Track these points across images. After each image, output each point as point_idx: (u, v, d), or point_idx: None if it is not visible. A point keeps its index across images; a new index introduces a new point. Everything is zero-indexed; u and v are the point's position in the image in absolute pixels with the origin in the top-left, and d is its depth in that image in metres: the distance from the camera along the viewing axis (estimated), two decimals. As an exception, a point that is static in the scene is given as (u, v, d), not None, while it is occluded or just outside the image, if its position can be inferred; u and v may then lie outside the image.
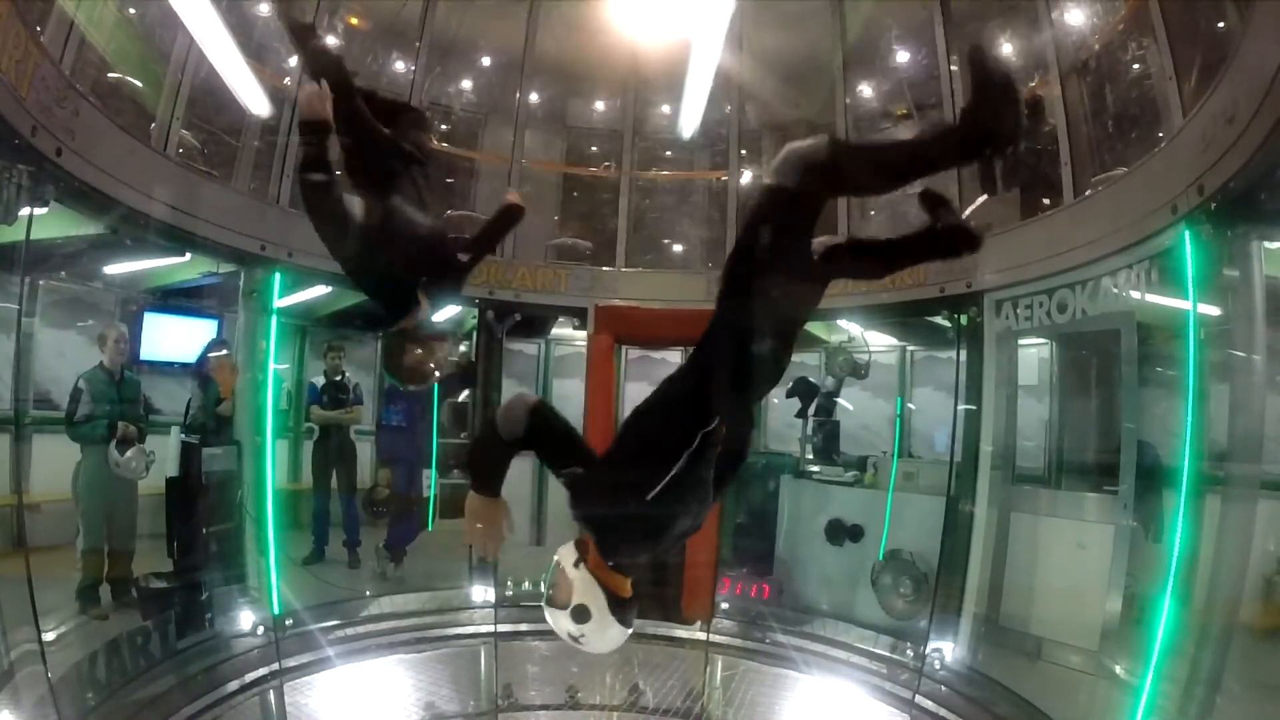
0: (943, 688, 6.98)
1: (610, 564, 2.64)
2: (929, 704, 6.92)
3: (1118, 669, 6.14)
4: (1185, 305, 5.19)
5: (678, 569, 8.21)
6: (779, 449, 10.53)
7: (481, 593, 8.56)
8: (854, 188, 2.92)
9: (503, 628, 8.36)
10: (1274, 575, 5.87)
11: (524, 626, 8.37)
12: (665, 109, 10.52)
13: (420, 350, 3.40)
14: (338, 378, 9.27)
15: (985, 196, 7.95)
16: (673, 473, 2.48)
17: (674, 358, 10.07)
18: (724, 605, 8.52)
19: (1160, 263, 5.58)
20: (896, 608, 7.88)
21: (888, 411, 10.62)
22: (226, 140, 7.62)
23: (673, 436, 2.53)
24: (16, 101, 4.26)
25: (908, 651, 7.47)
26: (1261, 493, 4.79)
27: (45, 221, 5.19)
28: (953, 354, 7.90)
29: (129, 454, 6.53)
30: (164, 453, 7.01)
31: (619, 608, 2.61)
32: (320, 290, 8.41)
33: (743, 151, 10.16)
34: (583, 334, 9.27)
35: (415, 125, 3.84)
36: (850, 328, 9.73)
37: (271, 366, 7.56)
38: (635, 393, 9.76)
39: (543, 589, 2.72)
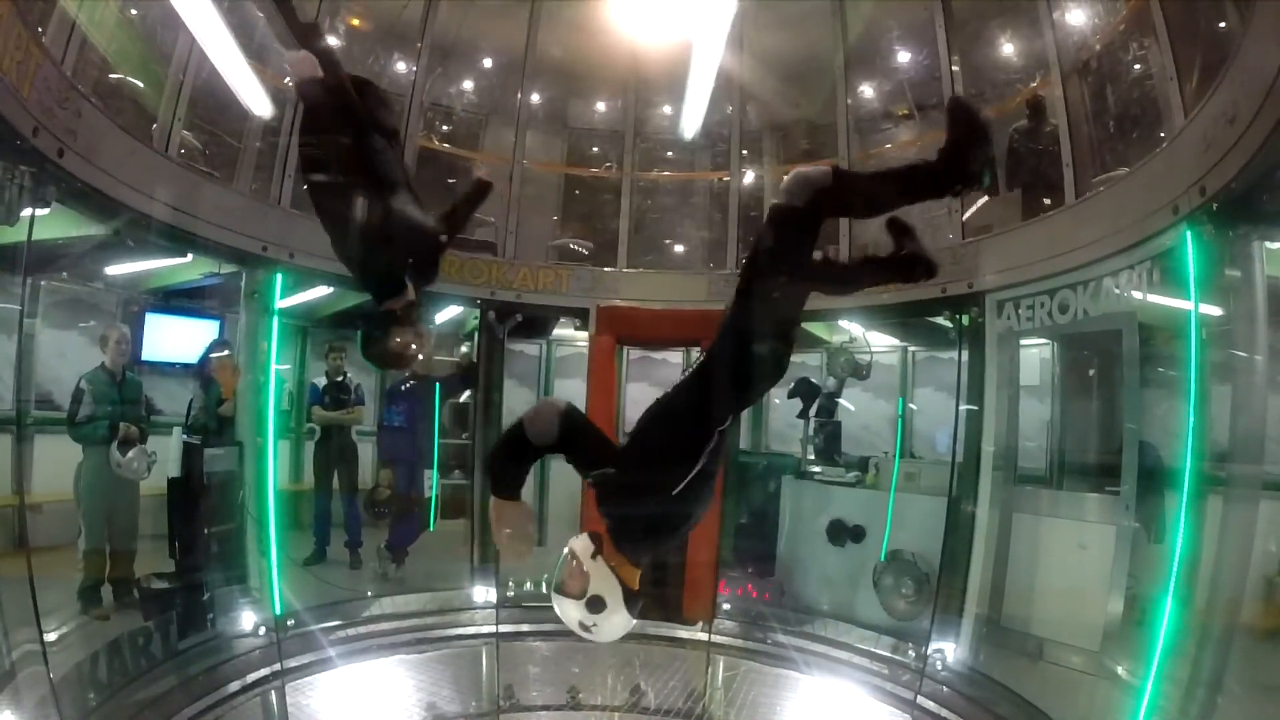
0: (944, 688, 6.98)
1: (624, 556, 2.80)
2: (930, 705, 6.92)
3: (1119, 670, 6.13)
4: (1187, 306, 5.18)
5: (679, 570, 8.22)
6: (780, 449, 10.54)
7: (483, 593, 8.57)
8: (848, 210, 3.38)
9: (504, 628, 8.37)
10: (1275, 576, 5.87)
11: (525, 627, 8.39)
12: (666, 109, 10.52)
13: (406, 333, 3.39)
14: (339, 378, 9.29)
15: (986, 197, 7.96)
16: (696, 470, 2.74)
17: (675, 358, 10.09)
18: (725, 606, 8.51)
19: (1162, 263, 5.57)
20: (898, 608, 7.87)
21: (889, 412, 10.61)
22: (228, 141, 7.62)
23: (694, 435, 2.76)
24: (18, 102, 4.26)
25: (909, 652, 7.46)
26: (1263, 493, 4.78)
27: (47, 222, 5.18)
28: (954, 354, 7.89)
29: (130, 454, 6.53)
30: (165, 453, 7.02)
31: (629, 599, 2.79)
32: (321, 291, 8.41)
33: (744, 152, 10.16)
34: (584, 334, 9.27)
35: (380, 103, 3.81)
36: (852, 328, 9.75)
37: (273, 367, 7.56)
38: (637, 393, 9.78)
39: (553, 579, 2.82)
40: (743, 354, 2.83)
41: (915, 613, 7.74)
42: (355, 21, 9.21)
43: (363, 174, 3.33)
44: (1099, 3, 7.25)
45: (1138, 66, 6.74)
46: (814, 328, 9.96)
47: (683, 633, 8.32)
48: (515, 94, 9.73)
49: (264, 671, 6.80)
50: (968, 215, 7.83)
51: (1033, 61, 8.06)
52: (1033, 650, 6.94)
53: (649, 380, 10.50)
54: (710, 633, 8.29)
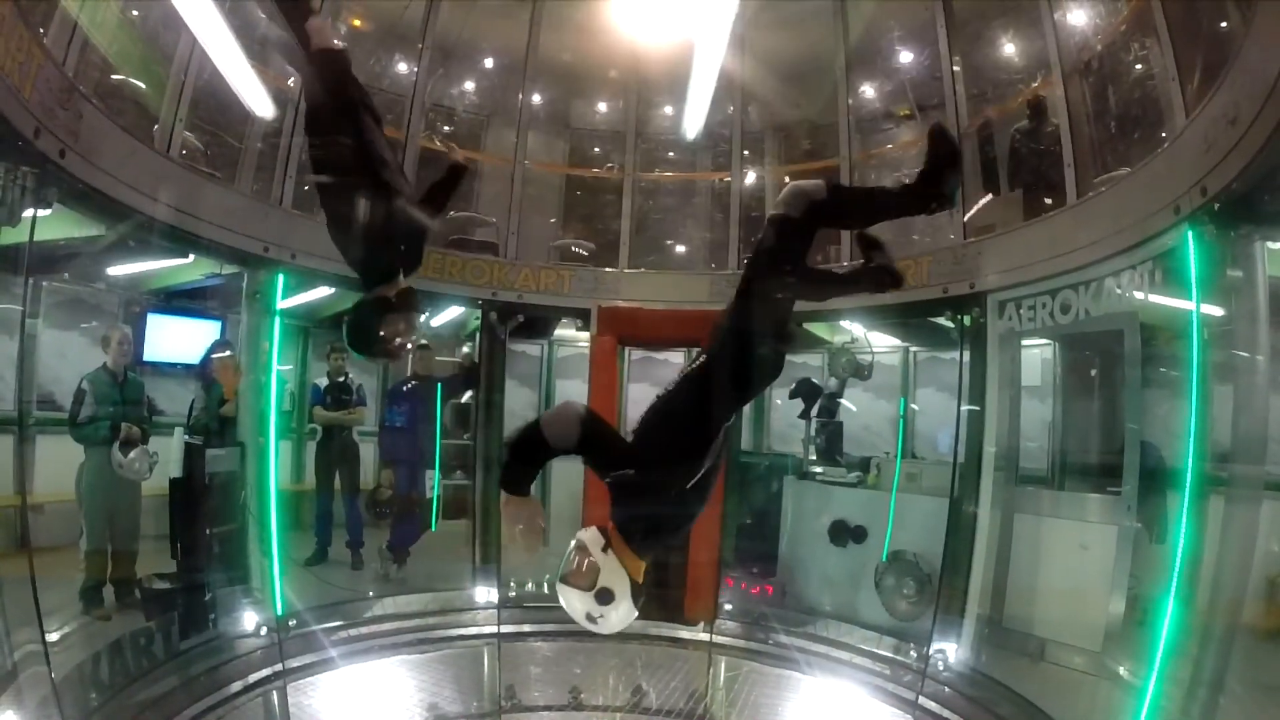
0: (946, 689, 6.97)
1: (632, 550, 2.89)
2: (932, 705, 6.91)
3: (1121, 670, 6.13)
4: (1188, 306, 5.16)
5: (680, 570, 8.22)
6: (782, 450, 10.54)
7: (484, 594, 8.57)
8: (839, 222, 3.63)
9: (506, 629, 8.37)
10: (1277, 576, 5.85)
11: (527, 627, 8.39)
12: (668, 110, 10.53)
13: (399, 320, 3.37)
14: (341, 379, 9.30)
15: (989, 197, 7.97)
16: (707, 467, 2.91)
17: (677, 359, 10.08)
18: (727, 606, 8.51)
19: (1163, 263, 5.56)
20: (900, 609, 7.87)
21: (891, 412, 10.62)
22: (229, 142, 7.63)
23: (705, 432, 2.93)
24: (20, 103, 4.27)
25: (911, 653, 7.46)
26: (1265, 494, 4.76)
27: (49, 223, 5.19)
28: (955, 355, 7.88)
29: (132, 455, 6.54)
30: (167, 454, 7.03)
31: (635, 591, 2.87)
32: (323, 291, 8.41)
33: (745, 152, 10.17)
34: (586, 335, 9.27)
35: (363, 90, 3.80)
36: (853, 329, 9.74)
37: (274, 368, 7.55)
38: (638, 394, 9.77)
39: (561, 571, 2.89)
40: (749, 353, 3.03)
41: (917, 613, 7.74)
42: (357, 22, 9.21)
43: (363, 155, 3.32)
44: (1100, 3, 7.25)
45: (1139, 67, 6.74)
46: (816, 328, 9.96)
47: (684, 633, 8.32)
48: (517, 95, 9.75)
49: (265, 672, 6.80)
50: (969, 216, 7.83)
51: (1034, 62, 8.06)
52: (1034, 651, 6.93)
53: (650, 381, 10.48)
54: (712, 633, 8.29)
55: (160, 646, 6.30)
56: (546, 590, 8.56)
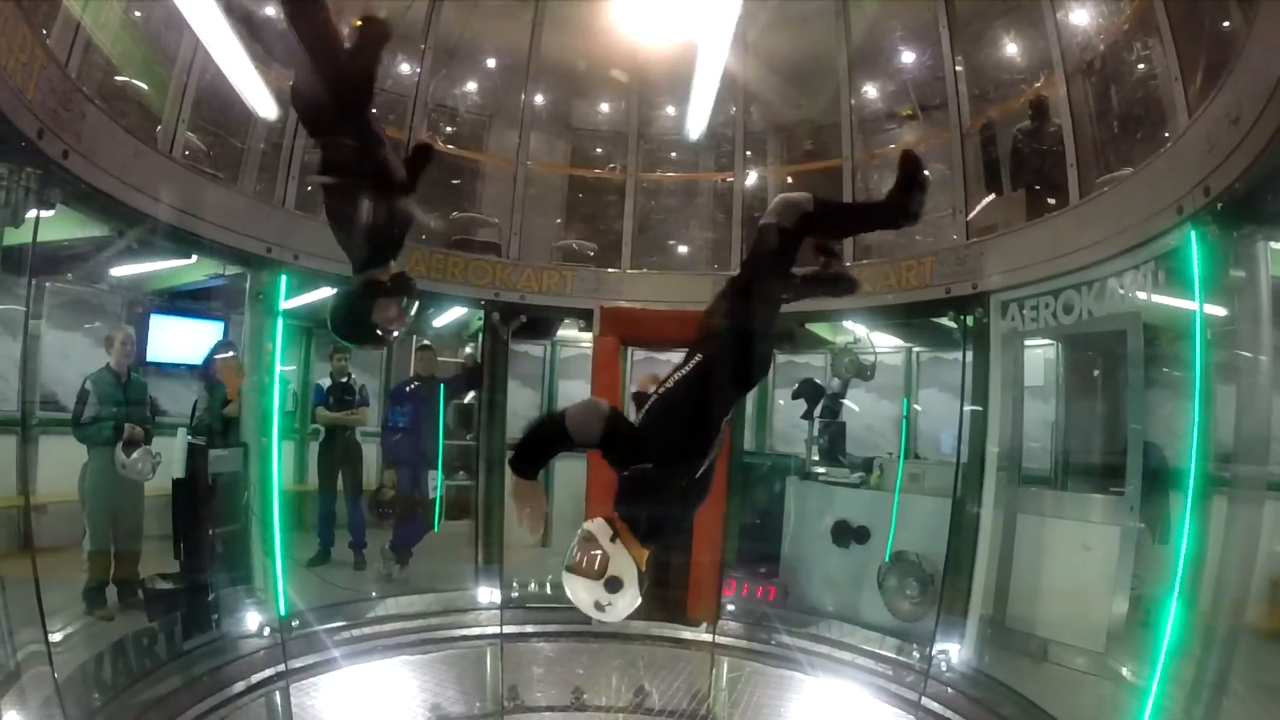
0: (949, 689, 6.97)
1: (637, 540, 2.99)
2: (935, 706, 6.91)
3: (1124, 671, 6.13)
4: (1191, 306, 5.16)
5: (683, 570, 8.21)
6: (785, 450, 10.54)
7: (487, 594, 8.57)
8: (823, 232, 3.70)
9: (508, 629, 8.37)
10: None
11: (530, 628, 8.39)
12: (670, 110, 10.52)
13: (391, 305, 3.32)
14: (343, 379, 9.30)
15: (991, 197, 7.96)
16: (710, 459, 3.10)
17: (679, 359, 10.08)
18: (730, 607, 8.51)
19: (1166, 263, 5.55)
20: (902, 609, 7.86)
21: (893, 413, 10.59)
22: (232, 142, 7.64)
23: (709, 427, 3.10)
24: (23, 104, 4.28)
25: (914, 653, 7.45)
26: (1268, 494, 4.76)
27: (52, 224, 5.20)
28: (958, 355, 7.87)
29: (135, 455, 6.54)
30: (170, 454, 7.02)
31: (640, 579, 2.96)
32: (326, 292, 8.40)
33: (748, 153, 10.16)
34: (588, 335, 9.27)
35: None
36: (856, 329, 9.74)
37: (277, 368, 7.57)
38: (640, 394, 9.75)
39: (569, 560, 2.96)
40: (751, 350, 3.26)
41: (920, 614, 7.73)
42: (359, 23, 9.21)
43: (368, 134, 3.30)
44: (1103, 3, 7.24)
45: (1141, 66, 6.73)
46: (818, 329, 9.96)
47: (687, 634, 8.32)
48: (519, 95, 9.75)
49: (268, 672, 6.81)
50: (972, 216, 7.83)
51: (1036, 61, 8.05)
52: (1037, 651, 6.93)
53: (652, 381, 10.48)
54: (714, 634, 8.29)
55: (163, 647, 6.31)
56: (549, 590, 8.58)
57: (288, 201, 7.57)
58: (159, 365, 8.65)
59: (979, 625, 7.13)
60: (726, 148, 10.28)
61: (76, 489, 6.65)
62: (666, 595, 8.08)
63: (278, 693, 6.79)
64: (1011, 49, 8.59)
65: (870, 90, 9.89)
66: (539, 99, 10.28)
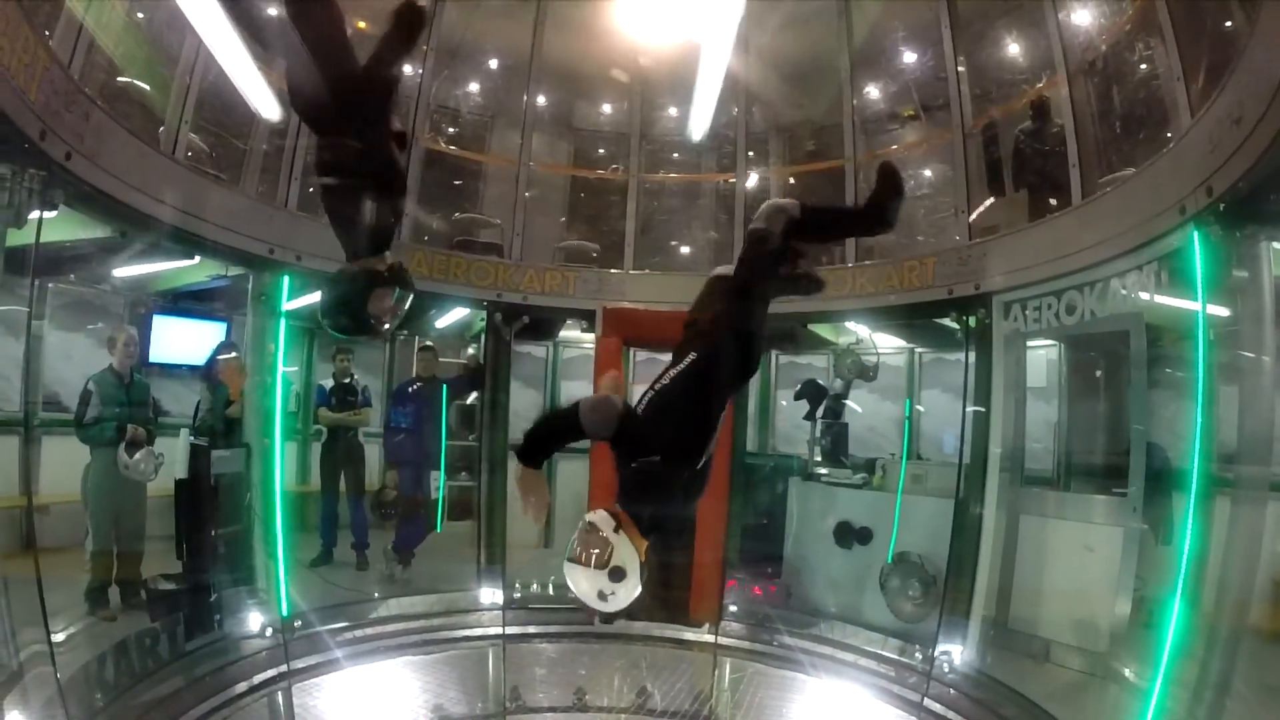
0: (951, 690, 6.96)
1: (639, 531, 3.06)
2: (937, 707, 6.90)
3: (1126, 672, 6.11)
4: (1194, 306, 5.15)
5: (686, 571, 8.22)
6: (787, 451, 10.53)
7: (489, 595, 8.57)
8: (808, 236, 3.84)
9: (511, 630, 8.37)
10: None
11: (532, 629, 8.39)
12: (672, 111, 10.52)
13: (387, 296, 3.21)
14: (346, 380, 9.32)
15: (993, 198, 7.96)
16: (709, 452, 3.20)
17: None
18: (732, 608, 8.51)
19: (1169, 264, 5.55)
20: (905, 610, 7.86)
21: (896, 414, 10.58)
22: (234, 144, 7.64)
23: (710, 421, 3.20)
24: (26, 106, 4.28)
25: (916, 654, 7.45)
26: (1271, 495, 4.75)
27: (55, 225, 5.21)
28: (961, 356, 7.87)
29: (138, 456, 6.54)
30: (173, 455, 7.02)
31: (642, 569, 3.01)
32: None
33: (750, 154, 10.16)
34: (591, 336, 9.27)
35: None
36: (858, 330, 9.73)
37: (280, 369, 7.57)
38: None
39: (572, 551, 3.00)
40: (750, 347, 3.43)
41: (922, 615, 7.73)
42: (361, 24, 9.21)
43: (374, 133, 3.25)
44: (1105, 3, 7.24)
45: (1144, 67, 6.73)
46: (821, 329, 9.96)
47: (689, 634, 8.32)
48: (521, 96, 9.74)
49: (271, 673, 6.80)
50: (974, 217, 7.82)
51: (1038, 62, 8.04)
52: (1039, 652, 6.93)
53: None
54: (717, 634, 8.28)
55: (165, 647, 6.32)
56: (551, 591, 8.59)
57: (290, 203, 7.58)
58: (162, 366, 8.65)
59: (981, 626, 7.12)
60: (729, 148, 10.27)
61: (79, 489, 6.66)
62: (669, 596, 8.09)
63: (280, 693, 6.79)
64: (1013, 49, 8.59)
65: (872, 91, 9.88)
66: (541, 100, 10.27)
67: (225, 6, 4.54)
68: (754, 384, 10.68)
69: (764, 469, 9.77)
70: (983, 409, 7.34)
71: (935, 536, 7.68)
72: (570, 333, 10.82)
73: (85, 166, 4.98)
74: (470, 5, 9.15)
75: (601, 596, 3.00)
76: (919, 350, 10.67)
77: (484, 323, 9.23)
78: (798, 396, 9.70)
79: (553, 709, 7.98)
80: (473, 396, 9.45)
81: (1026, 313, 7.01)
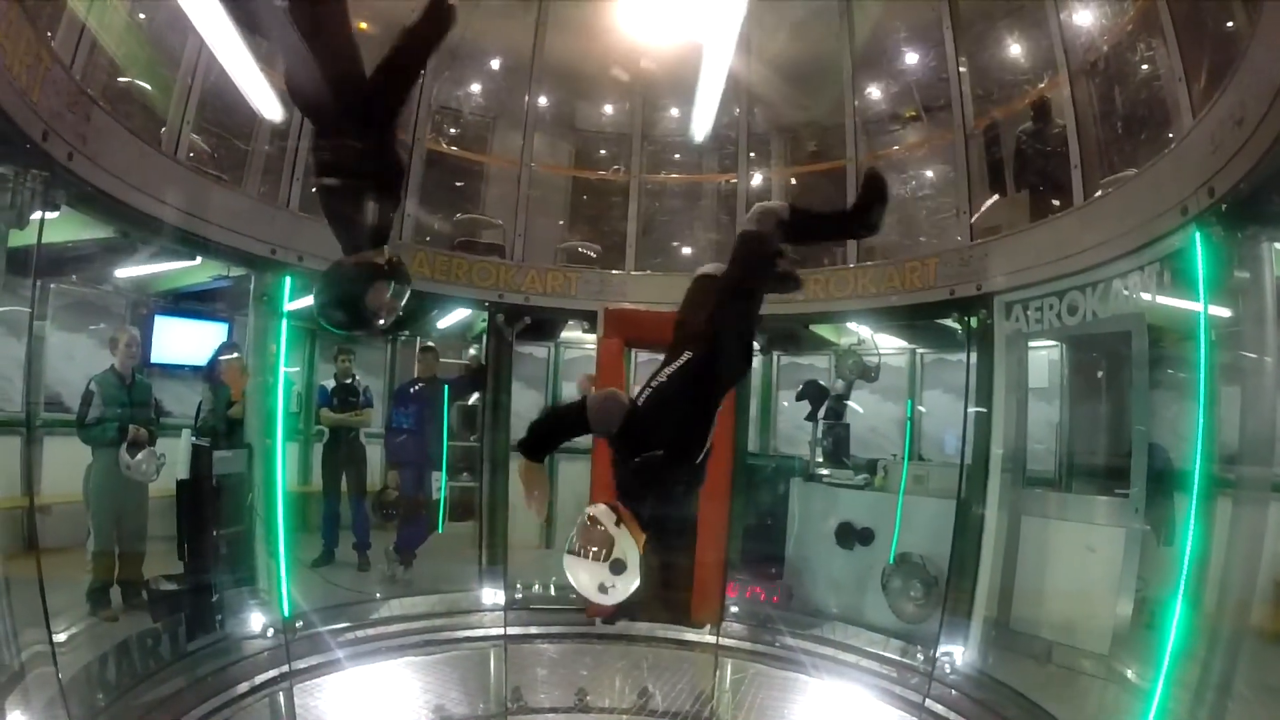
0: (953, 691, 6.95)
1: (639, 525, 3.14)
2: (939, 708, 6.88)
3: (1128, 673, 6.11)
4: (1196, 307, 5.15)
5: (687, 572, 8.22)
6: (789, 452, 10.53)
7: (491, 595, 8.57)
8: (796, 238, 3.97)
9: (512, 630, 8.36)
10: (1286, 579, 5.83)
11: (533, 629, 8.39)
12: (674, 112, 10.52)
13: (386, 290, 3.11)
14: (348, 380, 9.33)
15: (995, 198, 7.95)
16: (708, 447, 3.27)
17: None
18: (733, 608, 8.50)
19: (1171, 265, 5.55)
20: (907, 611, 7.86)
21: (898, 414, 10.59)
22: (236, 144, 7.65)
23: (708, 417, 3.29)
24: (28, 106, 4.29)
25: (918, 655, 7.44)
26: (1273, 495, 4.75)
27: (57, 225, 5.21)
28: (963, 357, 7.86)
29: (139, 456, 6.55)
30: (175, 455, 7.03)
31: (641, 562, 3.09)
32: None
33: (751, 154, 10.15)
34: (592, 337, 9.27)
35: None
36: (860, 330, 9.73)
37: (282, 370, 7.57)
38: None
39: (573, 545, 3.07)
40: (746, 345, 3.59)
41: (924, 616, 7.73)
42: (363, 25, 9.21)
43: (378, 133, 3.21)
44: (1106, 3, 7.23)
45: (1145, 67, 6.72)
46: (822, 330, 9.95)
47: (690, 635, 8.31)
48: (523, 97, 9.75)
49: (272, 673, 6.80)
50: (976, 217, 7.82)
51: (1040, 62, 8.04)
52: (1041, 653, 6.92)
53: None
54: (718, 635, 8.28)
55: (167, 647, 6.32)
56: (553, 592, 8.59)
57: (292, 203, 7.58)
58: (163, 366, 8.67)
59: (983, 627, 7.11)
60: (730, 149, 10.27)
61: (81, 490, 6.67)
62: (671, 597, 8.09)
63: (281, 694, 6.78)
64: (1015, 50, 8.58)
65: (874, 91, 9.88)
66: (543, 100, 10.28)
67: (226, 5, 4.52)
68: (756, 385, 10.70)
69: (766, 470, 9.77)
70: (984, 410, 7.33)
71: (937, 537, 7.67)
72: (572, 333, 10.81)
73: (87, 167, 4.98)
74: (471, 5, 9.15)
75: (602, 589, 3.05)
76: (920, 351, 10.67)
77: (486, 323, 9.22)
78: (799, 397, 9.69)
79: (554, 710, 7.98)
80: (474, 397, 9.46)
81: (1028, 313, 7.01)
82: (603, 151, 11.50)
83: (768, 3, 8.65)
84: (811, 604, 8.66)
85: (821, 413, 9.48)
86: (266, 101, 5.68)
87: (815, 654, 7.87)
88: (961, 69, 8.02)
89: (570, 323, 10.02)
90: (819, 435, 9.50)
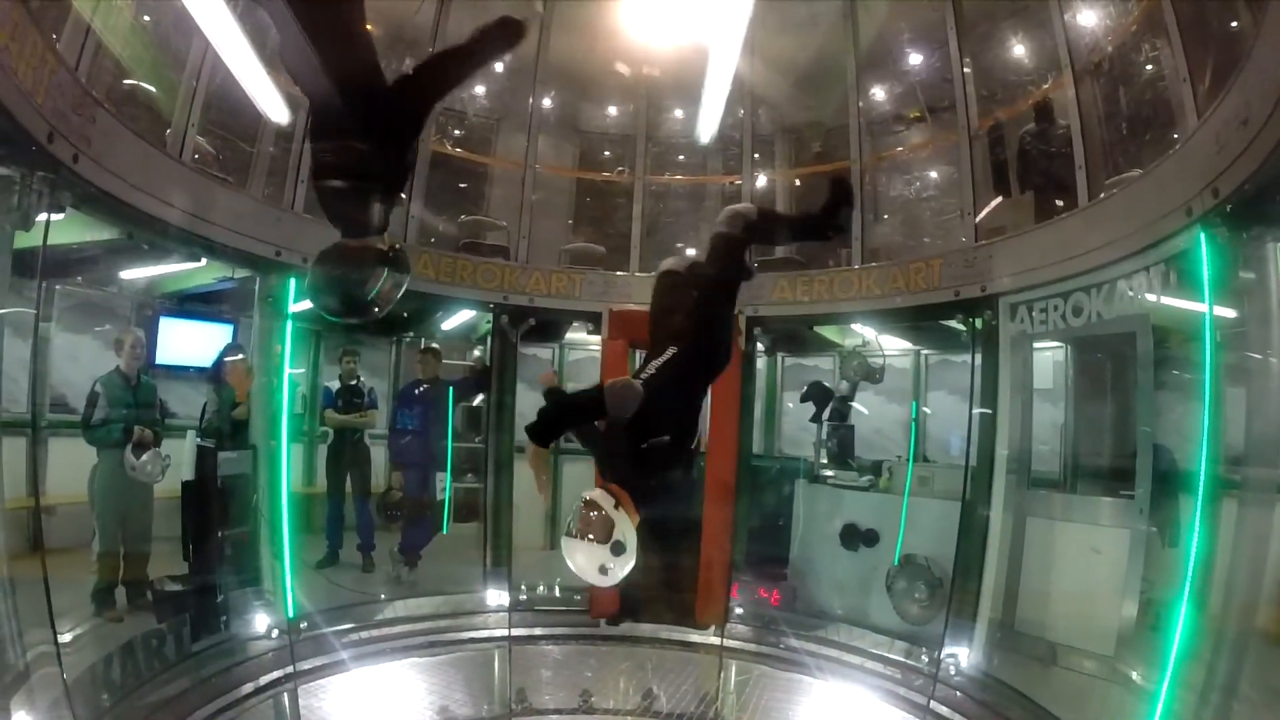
0: (958, 693, 6.94)
1: (635, 508, 3.30)
2: (944, 710, 6.88)
3: (1133, 675, 6.09)
4: (1201, 308, 5.14)
5: (691, 573, 8.22)
6: (793, 453, 10.52)
7: (495, 597, 8.57)
8: (766, 238, 4.60)
9: (517, 632, 8.37)
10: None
11: (538, 631, 8.40)
12: (678, 113, 10.53)
13: (389, 276, 3.05)
14: (352, 382, 9.34)
15: (999, 199, 7.95)
16: (699, 434, 3.63)
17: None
18: (738, 610, 8.50)
19: (1176, 265, 5.53)
20: (911, 613, 7.84)
21: (902, 416, 10.57)
22: (241, 146, 7.66)
23: (697, 407, 3.63)
24: (34, 108, 4.30)
25: (922, 657, 7.43)
26: (1278, 496, 4.74)
27: (62, 227, 5.23)
28: (967, 358, 7.85)
29: (144, 457, 6.57)
30: (179, 456, 7.07)
31: (637, 543, 3.24)
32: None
33: (756, 155, 10.15)
34: (597, 338, 9.28)
35: None
36: (864, 332, 9.71)
37: (286, 371, 7.58)
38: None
39: (573, 529, 3.21)
40: (724, 338, 3.83)
41: (928, 617, 7.71)
42: (367, 26, 9.23)
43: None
44: (1111, 4, 7.22)
45: (1150, 68, 6.71)
46: (827, 331, 9.95)
47: (695, 637, 8.31)
48: (527, 98, 9.76)
49: (276, 674, 6.82)
50: (980, 218, 7.81)
51: (1044, 63, 8.03)
52: (1046, 655, 6.90)
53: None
54: (723, 637, 8.27)
55: (172, 648, 6.32)
56: (558, 593, 8.59)
57: (297, 205, 7.58)
58: (168, 368, 8.67)
59: (988, 629, 7.09)
60: (734, 150, 10.28)
61: (86, 491, 6.69)
62: (675, 599, 8.08)
63: (286, 695, 6.79)
64: (1019, 50, 8.58)
65: (878, 92, 9.88)
66: (547, 102, 10.30)
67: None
68: (760, 387, 10.68)
69: (770, 471, 9.76)
70: (989, 411, 7.32)
71: (942, 539, 7.65)
72: (576, 335, 10.81)
73: (92, 169, 4.99)
74: (476, 7, 9.15)
75: (602, 570, 3.19)
76: (925, 352, 10.66)
77: (490, 325, 9.23)
78: (804, 399, 9.69)
79: (558, 711, 7.97)
80: (479, 398, 9.46)
81: (1033, 314, 6.99)
82: (607, 153, 11.51)
83: (772, 4, 8.65)
84: (816, 605, 8.65)
85: (826, 414, 9.48)
86: (271, 104, 5.70)
87: (820, 655, 7.87)
88: (966, 70, 8.02)
89: (575, 324, 10.02)
90: (824, 437, 9.50)
